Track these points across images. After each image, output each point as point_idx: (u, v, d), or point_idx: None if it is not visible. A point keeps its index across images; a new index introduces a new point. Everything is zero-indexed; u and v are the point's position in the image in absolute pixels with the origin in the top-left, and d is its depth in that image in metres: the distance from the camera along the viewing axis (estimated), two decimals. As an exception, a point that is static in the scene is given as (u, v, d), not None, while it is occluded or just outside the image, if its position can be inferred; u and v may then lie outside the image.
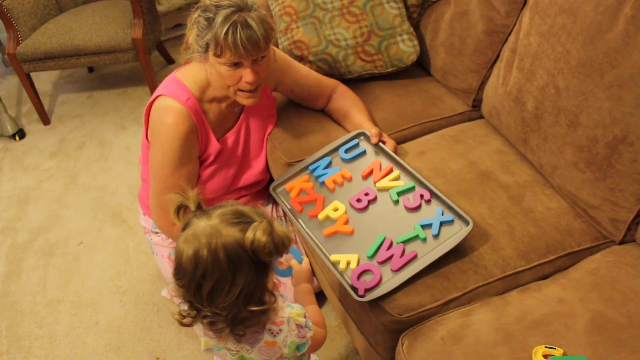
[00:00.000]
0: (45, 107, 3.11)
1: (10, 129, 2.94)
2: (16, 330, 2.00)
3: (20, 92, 3.35)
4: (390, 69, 1.97)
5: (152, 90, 2.90)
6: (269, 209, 1.91)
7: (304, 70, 1.84)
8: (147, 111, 1.62)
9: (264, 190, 1.91)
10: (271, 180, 1.88)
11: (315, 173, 1.64)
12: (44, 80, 3.41)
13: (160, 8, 3.36)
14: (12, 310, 2.07)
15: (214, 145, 1.66)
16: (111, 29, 2.81)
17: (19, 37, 2.87)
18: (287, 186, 1.66)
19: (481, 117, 1.86)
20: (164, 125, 1.54)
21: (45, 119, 3.05)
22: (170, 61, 3.39)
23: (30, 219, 2.46)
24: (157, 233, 1.87)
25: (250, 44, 1.38)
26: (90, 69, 3.46)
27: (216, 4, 1.39)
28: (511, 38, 1.67)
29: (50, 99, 3.24)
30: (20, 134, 2.97)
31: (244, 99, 1.53)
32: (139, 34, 2.78)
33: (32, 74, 2.93)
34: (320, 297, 1.88)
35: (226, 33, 1.36)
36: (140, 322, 1.95)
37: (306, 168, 1.68)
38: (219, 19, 1.36)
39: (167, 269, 1.84)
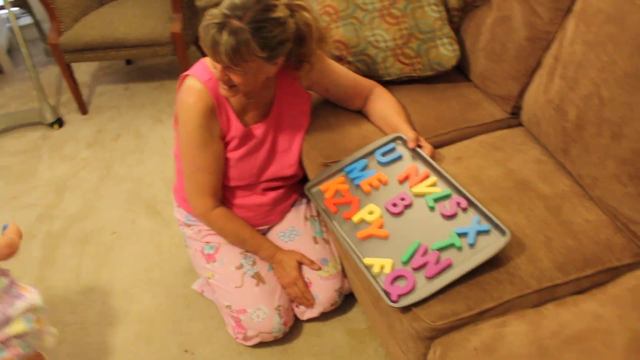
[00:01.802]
0: (84, 98, 3.17)
1: (49, 118, 3.00)
2: (50, 316, 2.04)
3: (59, 82, 3.41)
4: (429, 73, 1.95)
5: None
6: (303, 207, 1.92)
7: (342, 70, 1.83)
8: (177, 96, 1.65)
9: (298, 186, 1.92)
10: (305, 178, 1.88)
11: (351, 175, 1.64)
12: (83, 71, 3.47)
13: (199, 3, 3.38)
14: (46, 295, 2.11)
15: (237, 128, 1.66)
16: (151, 23, 2.84)
17: (61, 28, 2.92)
18: (322, 187, 1.66)
19: (520, 124, 1.83)
20: (185, 105, 1.57)
21: (83, 109, 3.10)
22: (206, 55, 3.41)
23: (66, 207, 2.50)
24: (190, 226, 1.89)
25: (213, 51, 1.38)
26: (128, 62, 3.50)
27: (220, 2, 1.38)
28: (554, 45, 1.65)
29: (89, 89, 3.30)
30: (59, 123, 3.02)
31: (221, 89, 1.53)
32: (178, 28, 2.81)
33: (72, 65, 2.97)
34: (350, 299, 1.89)
35: (203, 28, 1.37)
36: (170, 315, 1.97)
37: (342, 170, 1.68)
38: (208, 13, 1.37)
39: (199, 262, 1.85)
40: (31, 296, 1.51)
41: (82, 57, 2.94)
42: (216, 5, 1.36)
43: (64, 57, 2.92)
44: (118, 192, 2.53)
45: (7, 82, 3.56)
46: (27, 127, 3.08)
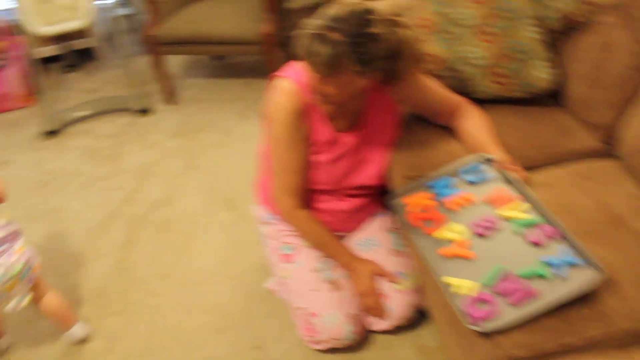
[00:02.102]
0: (172, 89, 3.27)
1: (138, 106, 3.12)
2: (129, 296, 2.13)
3: (150, 72, 3.54)
4: (522, 94, 1.93)
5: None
6: (383, 219, 1.92)
7: (432, 86, 1.83)
8: (267, 96, 1.69)
9: (380, 197, 1.93)
10: (388, 190, 1.89)
11: (436, 191, 1.63)
12: (172, 63, 3.59)
13: (291, 5, 3.44)
14: (127, 276, 2.21)
15: (325, 133, 1.68)
16: (243, 22, 2.92)
17: (158, 21, 3.04)
18: (406, 200, 1.66)
19: (615, 156, 1.78)
20: (277, 104, 1.61)
21: (171, 100, 3.21)
22: (292, 58, 3.46)
23: (149, 193, 2.60)
24: (269, 224, 1.93)
25: (309, 60, 1.40)
26: (217, 57, 3.60)
27: (327, 15, 1.41)
28: (660, 77, 1.60)
29: (177, 81, 3.41)
30: (147, 111, 3.14)
31: (313, 96, 1.56)
32: (269, 29, 2.87)
33: (163, 57, 3.08)
34: (423, 316, 1.88)
35: (300, 36, 1.39)
36: (244, 309, 2.02)
37: (427, 185, 1.68)
38: (307, 22, 1.39)
39: (275, 261, 1.89)
40: (13, 261, 1.67)
41: (175, 50, 3.05)
42: (311, 9, 1.39)
43: (158, 48, 3.04)
44: (199, 183, 2.61)
45: (102, 69, 3.73)
46: (117, 113, 3.22)
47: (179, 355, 1.89)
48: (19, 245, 1.73)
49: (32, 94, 3.57)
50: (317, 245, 1.82)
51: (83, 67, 3.83)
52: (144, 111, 3.13)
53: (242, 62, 3.52)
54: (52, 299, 1.85)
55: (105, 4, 3.82)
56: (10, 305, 1.72)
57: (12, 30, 3.72)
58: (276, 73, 1.66)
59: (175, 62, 3.59)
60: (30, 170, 2.93)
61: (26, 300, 1.76)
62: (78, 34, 3.56)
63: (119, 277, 2.22)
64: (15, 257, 1.68)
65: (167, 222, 2.43)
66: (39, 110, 3.44)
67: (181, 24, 2.96)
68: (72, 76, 3.75)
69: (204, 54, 3.03)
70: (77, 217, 2.56)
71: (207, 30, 2.92)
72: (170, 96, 3.20)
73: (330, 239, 1.81)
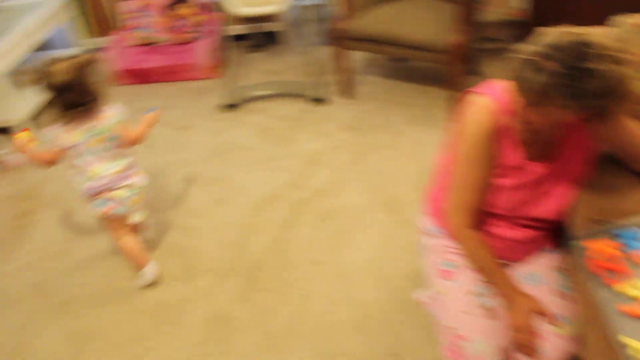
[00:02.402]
0: (349, 83, 3.34)
1: (315, 94, 3.22)
2: (282, 275, 2.22)
3: (330, 63, 3.64)
4: None
5: (452, 95, 2.94)
6: (553, 256, 1.84)
7: (635, 129, 1.71)
8: (459, 109, 1.66)
9: (553, 233, 1.84)
10: (564, 227, 1.80)
11: (624, 242, 1.53)
12: (354, 57, 3.64)
13: (482, 18, 3.38)
14: (283, 256, 2.30)
15: (513, 158, 1.63)
16: (433, 29, 2.90)
17: (349, 14, 3.10)
18: (587, 244, 1.57)
19: None
20: (471, 120, 1.58)
21: (347, 94, 3.28)
22: (473, 72, 3.40)
23: (315, 180, 2.68)
24: (434, 237, 1.91)
25: (519, 85, 1.34)
26: (399, 59, 3.62)
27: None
28: None
29: (356, 76, 3.47)
30: (323, 100, 3.23)
31: (514, 120, 1.49)
32: (459, 40, 2.83)
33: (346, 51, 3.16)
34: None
35: (514, 60, 1.33)
36: (387, 313, 2.03)
37: (613, 232, 1.57)
38: (521, 47, 1.33)
39: (431, 275, 1.87)
40: (142, 179, 2.20)
41: (360, 46, 3.10)
42: (503, 24, 1.35)
43: (344, 42, 3.11)
44: (364, 180, 2.65)
45: (286, 53, 3.89)
46: (294, 98, 3.35)
47: (316, 344, 1.95)
48: (138, 169, 2.22)
49: (218, 67, 3.81)
50: (480, 268, 1.78)
51: (267, 48, 4.02)
52: (320, 100, 3.23)
53: (421, 68, 3.51)
54: (132, 237, 2.27)
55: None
56: (137, 216, 2.23)
57: (211, 6, 4.00)
58: (474, 89, 1.63)
59: (356, 57, 3.65)
60: (208, 138, 3.14)
61: (144, 214, 2.29)
62: (268, 17, 3.74)
63: (274, 256, 2.31)
64: (138, 179, 2.19)
65: (327, 211, 2.49)
66: (222, 84, 3.66)
67: (372, 22, 3.01)
68: (256, 56, 3.95)
69: (387, 54, 3.06)
70: (244, 190, 2.71)
71: (397, 32, 2.94)
72: (347, 90, 3.27)
73: (495, 265, 1.76)
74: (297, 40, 4.04)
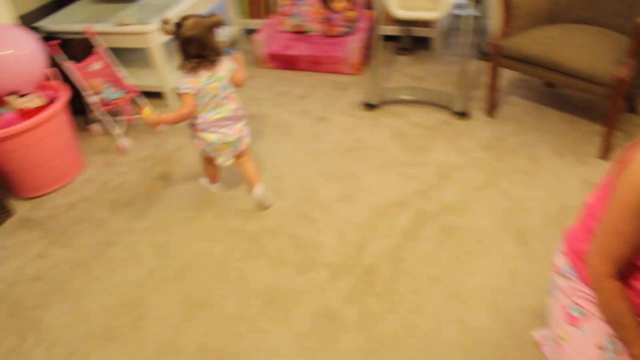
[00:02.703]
0: (495, 102, 3.22)
1: (459, 107, 3.14)
2: (395, 283, 2.18)
3: (478, 77, 3.54)
4: None
5: (605, 131, 2.75)
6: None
7: None
8: (629, 152, 1.53)
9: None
10: None
11: None
12: (502, 76, 3.52)
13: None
14: (399, 265, 2.26)
15: None
16: (597, 58, 2.72)
17: (508, 32, 2.99)
18: None
19: None
20: None
21: (491, 112, 3.17)
22: (633, 110, 3.17)
23: (444, 194, 2.61)
24: (567, 279, 1.79)
25: None
26: (550, 84, 3.45)
27: None
28: None
29: (502, 95, 3.35)
30: (465, 115, 3.14)
31: None
32: (625, 74, 2.64)
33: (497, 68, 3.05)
34: None
35: None
36: (500, 346, 1.93)
37: None
38: None
39: (557, 317, 1.76)
40: (235, 132, 2.53)
41: (514, 66, 2.98)
42: None
43: (499, 59, 3.00)
44: (495, 204, 2.54)
45: (433, 61, 3.83)
46: (435, 107, 3.28)
47: (423, 361, 1.90)
48: (239, 125, 2.55)
49: (364, 65, 3.82)
50: (615, 322, 1.65)
51: (415, 53, 3.97)
52: (461, 114, 3.15)
53: (573, 97, 3.31)
54: (248, 165, 2.65)
55: (459, 1, 3.89)
56: (219, 160, 2.58)
57: (365, 3, 4.01)
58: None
59: (505, 75, 3.52)
60: (343, 133, 3.15)
61: (230, 161, 2.60)
62: (420, 21, 3.69)
63: (391, 263, 2.28)
64: (232, 132, 2.52)
65: (452, 228, 2.42)
66: (364, 81, 3.67)
67: (531, 42, 2.88)
68: (403, 59, 3.91)
69: (541, 78, 2.90)
70: (371, 191, 2.69)
71: (556, 57, 2.79)
72: (491, 108, 3.16)
73: (633, 322, 1.62)
74: (446, 49, 3.97)
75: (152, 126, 2.61)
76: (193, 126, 2.51)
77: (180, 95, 2.40)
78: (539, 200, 2.54)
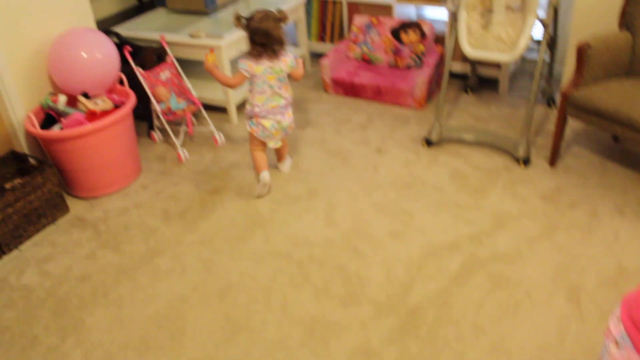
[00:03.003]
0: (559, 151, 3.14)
1: (521, 153, 3.07)
2: (440, 328, 2.13)
3: (541, 123, 3.46)
4: None
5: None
6: None
7: None
8: None
9: None
10: None
11: None
12: (568, 124, 3.43)
13: None
14: (445, 309, 2.21)
15: None
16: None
17: (580, 82, 2.91)
18: None
19: None
20: None
21: (553, 161, 3.08)
22: None
23: (497, 242, 2.55)
24: (619, 347, 1.70)
25: None
26: (617, 138, 3.34)
27: None
28: None
29: (566, 145, 3.26)
30: (527, 162, 3.07)
31: None
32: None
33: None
34: None
35: None
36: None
37: None
38: None
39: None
40: (288, 119, 2.93)
41: (583, 117, 2.90)
42: None
43: (567, 108, 2.92)
44: (549, 257, 2.46)
45: (497, 102, 3.77)
46: (496, 150, 3.22)
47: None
48: (290, 111, 2.93)
49: (428, 99, 3.78)
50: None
51: (480, 93, 3.92)
52: (523, 160, 3.07)
53: (640, 154, 3.20)
54: (284, 144, 3.07)
55: (532, 45, 3.82)
56: (271, 143, 2.94)
57: (436, 38, 3.98)
58: None
59: (571, 124, 3.43)
60: (400, 167, 3.12)
61: (279, 144, 2.98)
62: (490, 62, 3.63)
63: (437, 307, 2.23)
64: (284, 118, 2.91)
65: (502, 278, 2.35)
66: (427, 117, 3.63)
67: (604, 95, 2.79)
68: (467, 98, 3.87)
69: (611, 132, 2.81)
70: (422, 229, 2.65)
71: (628, 112, 2.69)
72: (554, 157, 3.07)
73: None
74: (512, 92, 3.90)
75: (206, 67, 2.85)
76: (252, 113, 2.86)
77: (236, 70, 2.80)
78: (596, 259, 2.45)
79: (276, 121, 2.87)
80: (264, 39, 2.69)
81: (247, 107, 2.87)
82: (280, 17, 2.75)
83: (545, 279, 2.34)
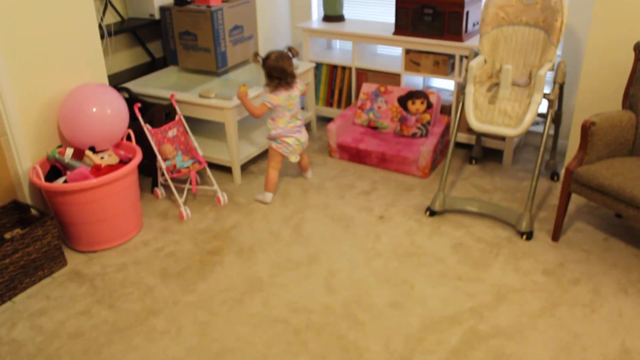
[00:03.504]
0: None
1: (524, 227, 3.06)
2: None
3: (544, 197, 3.47)
4: None
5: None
6: None
7: None
8: None
9: None
10: None
11: None
12: (572, 199, 3.43)
13: None
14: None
15: None
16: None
17: (584, 159, 2.93)
18: None
19: None
20: None
21: (556, 236, 3.07)
22: None
23: (498, 317, 2.51)
24: None
25: None
26: (619, 215, 3.33)
27: None
28: None
29: (569, 220, 3.25)
30: (529, 236, 3.06)
31: None
32: None
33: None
34: None
35: None
36: None
37: None
38: None
39: None
40: (304, 136, 3.48)
41: (586, 193, 2.90)
42: None
43: (571, 185, 2.93)
44: (551, 334, 2.41)
45: (501, 174, 3.79)
46: (499, 222, 3.21)
47: None
48: (304, 130, 3.48)
49: (432, 168, 3.80)
50: None
51: (484, 163, 3.94)
52: (525, 234, 3.06)
53: (644, 232, 3.19)
54: (305, 157, 3.65)
55: (537, 119, 3.87)
56: (292, 158, 3.47)
57: (441, 108, 4.04)
58: None
59: (574, 199, 3.43)
60: (401, 236, 3.11)
61: (298, 157, 3.51)
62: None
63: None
64: (302, 135, 3.46)
65: (503, 355, 2.30)
66: (431, 186, 3.64)
67: (608, 173, 2.81)
68: (471, 168, 3.89)
69: (613, 210, 2.81)
70: (423, 301, 2.61)
71: (631, 190, 2.70)
72: (557, 231, 3.06)
73: None
74: (517, 164, 3.92)
75: (238, 96, 3.38)
76: (276, 135, 3.38)
77: (262, 103, 3.33)
78: (599, 338, 2.40)
79: (296, 138, 3.41)
80: (280, 74, 3.25)
81: (271, 132, 3.39)
82: (293, 54, 3.33)
83: (546, 357, 2.29)
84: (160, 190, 3.57)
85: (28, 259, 2.74)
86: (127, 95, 3.66)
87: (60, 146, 3.10)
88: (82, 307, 2.63)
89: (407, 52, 3.99)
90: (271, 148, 3.45)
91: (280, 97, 3.29)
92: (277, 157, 3.45)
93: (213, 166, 3.76)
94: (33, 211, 2.94)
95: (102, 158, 3.05)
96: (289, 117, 3.36)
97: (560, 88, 3.25)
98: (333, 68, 4.42)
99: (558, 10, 3.11)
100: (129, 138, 3.28)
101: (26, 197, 3.09)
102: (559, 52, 3.82)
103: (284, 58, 3.26)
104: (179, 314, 2.56)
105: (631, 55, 3.14)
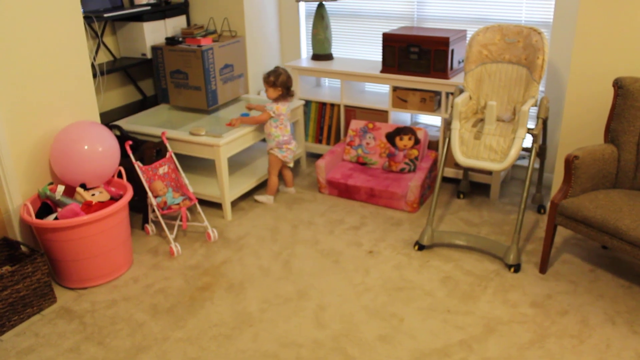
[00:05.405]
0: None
1: (512, 260, 3.09)
2: None
3: (531, 230, 3.51)
4: None
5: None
6: None
7: None
8: None
9: None
10: None
11: None
12: (558, 231, 3.47)
13: None
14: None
15: None
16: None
17: (568, 192, 2.98)
18: None
19: None
20: None
21: (543, 268, 3.10)
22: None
23: (487, 349, 2.52)
24: None
25: None
26: (605, 246, 3.37)
27: None
28: None
29: (555, 252, 3.29)
30: (517, 268, 3.09)
31: None
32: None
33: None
34: None
35: None
36: None
37: None
38: None
39: None
40: (294, 144, 3.93)
41: (572, 226, 2.95)
42: None
43: (557, 218, 2.98)
44: (540, 368, 2.43)
45: (488, 207, 3.84)
46: (487, 256, 3.24)
47: None
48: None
49: (420, 203, 3.85)
50: None
51: (472, 197, 3.99)
52: (514, 267, 3.09)
53: (631, 262, 3.22)
54: (289, 171, 4.11)
55: (522, 153, 3.95)
56: (291, 163, 4.00)
57: (428, 144, 4.11)
58: None
59: (560, 231, 3.48)
60: (390, 270, 3.13)
61: (292, 164, 4.02)
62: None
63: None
64: (293, 143, 3.92)
65: (493, 388, 2.30)
66: (419, 220, 3.68)
67: (592, 206, 2.86)
68: (459, 202, 3.93)
69: (599, 242, 2.85)
70: (412, 334, 2.62)
71: (616, 223, 2.75)
72: (544, 264, 3.10)
73: None
74: (503, 198, 3.97)
75: (241, 122, 3.82)
76: (281, 143, 3.84)
77: (265, 111, 3.78)
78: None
79: (292, 145, 3.91)
80: (284, 87, 3.78)
81: (274, 140, 3.83)
82: (289, 74, 3.86)
83: (536, 391, 2.30)
84: (150, 227, 3.59)
85: (17, 296, 2.74)
86: (118, 133, 3.71)
87: (51, 183, 3.12)
88: (71, 344, 2.62)
89: (395, 89, 4.07)
90: (273, 156, 3.88)
91: (283, 107, 3.78)
92: (278, 165, 3.94)
93: (203, 202, 3.79)
94: (23, 248, 2.95)
95: (93, 195, 3.07)
96: (286, 125, 3.84)
97: (543, 123, 3.32)
98: (322, 105, 4.49)
99: (539, 48, 3.20)
100: (120, 175, 3.31)
101: (16, 234, 3.10)
102: (541, 88, 3.91)
103: (287, 75, 3.81)
104: (169, 350, 2.56)
105: (611, 90, 3.23)
